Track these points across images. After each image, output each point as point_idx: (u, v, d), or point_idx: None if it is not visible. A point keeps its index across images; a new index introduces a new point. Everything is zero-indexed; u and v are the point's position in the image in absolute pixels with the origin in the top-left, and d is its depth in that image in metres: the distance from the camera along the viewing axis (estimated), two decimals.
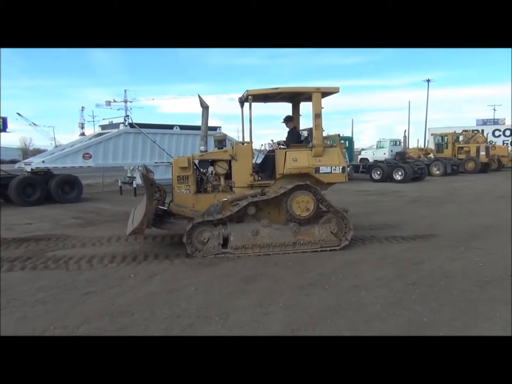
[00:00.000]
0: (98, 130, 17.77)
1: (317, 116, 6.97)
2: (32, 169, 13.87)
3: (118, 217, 10.58)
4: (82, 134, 70.93)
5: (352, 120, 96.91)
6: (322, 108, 7.03)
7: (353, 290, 4.98)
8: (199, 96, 7.39)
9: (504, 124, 43.65)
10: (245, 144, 7.23)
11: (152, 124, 16.48)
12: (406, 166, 21.68)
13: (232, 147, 7.16)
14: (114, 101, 72.54)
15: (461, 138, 29.63)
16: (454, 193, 15.44)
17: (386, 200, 13.91)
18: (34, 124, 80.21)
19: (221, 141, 7.47)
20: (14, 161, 27.88)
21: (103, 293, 4.99)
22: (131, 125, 15.38)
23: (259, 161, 7.84)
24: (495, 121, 48.71)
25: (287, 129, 7.90)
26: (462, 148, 28.23)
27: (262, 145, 9.07)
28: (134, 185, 15.69)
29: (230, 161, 7.17)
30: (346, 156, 22.77)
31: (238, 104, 7.42)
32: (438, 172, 24.97)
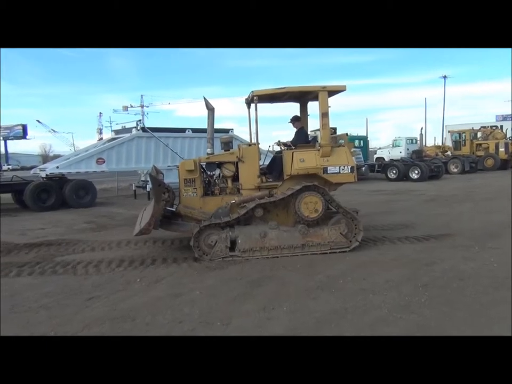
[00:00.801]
0: (112, 135, 17.93)
1: (324, 115, 6.84)
2: (46, 175, 14.04)
3: (130, 221, 10.56)
4: (100, 139, 71.69)
5: (367, 119, 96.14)
6: (329, 106, 6.90)
7: (360, 293, 4.85)
8: (204, 98, 7.34)
9: None
10: (252, 145, 7.16)
11: (164, 127, 16.55)
12: (422, 164, 21.31)
13: (239, 149, 7.09)
14: (131, 106, 73.26)
15: (479, 134, 28.94)
16: (472, 191, 15.08)
17: (401, 200, 13.66)
18: (54, 131, 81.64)
19: (228, 143, 7.39)
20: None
21: (107, 298, 4.96)
22: (143, 129, 15.47)
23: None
24: None
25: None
26: (480, 144, 27.56)
27: (269, 146, 8.97)
28: (148, 189, 15.72)
29: (237, 163, 7.10)
30: (361, 155, 22.77)
31: (244, 106, 7.35)
32: (455, 170, 24.50)
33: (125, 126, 16.72)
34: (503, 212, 10.07)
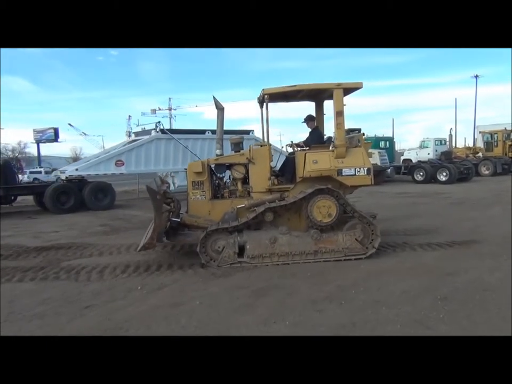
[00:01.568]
0: (132, 137, 17.95)
1: (339, 113, 6.47)
2: (66, 177, 14.12)
3: (145, 224, 10.31)
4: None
5: (393, 119, 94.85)
6: (345, 105, 6.52)
7: (372, 305, 4.45)
8: (214, 97, 7.07)
9: None
10: (263, 146, 6.84)
11: (184, 129, 16.44)
12: (451, 166, 20.53)
13: (249, 150, 6.79)
14: (159, 109, 73.81)
15: None
16: (503, 194, 14.29)
17: (426, 203, 13.07)
18: (85, 134, 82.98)
19: (238, 144, 7.11)
20: None
21: (104, 307, 4.74)
22: (162, 131, 15.38)
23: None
24: None
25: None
26: None
27: (282, 147, 8.63)
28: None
29: (247, 164, 6.80)
30: (387, 157, 22.11)
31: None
32: (487, 172, 23.53)
33: (144, 128, 16.72)
34: None
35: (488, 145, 27.44)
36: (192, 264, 6.35)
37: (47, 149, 77.13)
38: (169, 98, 72.52)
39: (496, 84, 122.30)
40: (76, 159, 77.07)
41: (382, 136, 25.25)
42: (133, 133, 17.84)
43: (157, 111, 74.05)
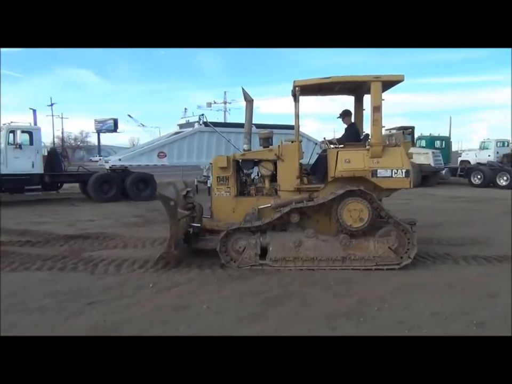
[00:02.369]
0: (177, 129, 18.00)
1: (376, 109, 5.91)
2: (110, 167, 14.33)
3: None
4: None
5: (450, 117, 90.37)
6: (383, 100, 5.95)
7: (394, 327, 3.93)
8: (242, 89, 6.71)
9: None
10: (293, 142, 6.40)
11: (227, 122, 16.25)
12: None
13: (279, 146, 6.37)
14: (214, 103, 74.31)
15: None
16: None
17: (480, 209, 12.04)
18: (143, 125, 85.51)
19: (267, 139, 6.71)
20: None
21: (108, 304, 4.53)
22: (205, 124, 15.24)
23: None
24: None
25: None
26: None
27: (316, 144, 8.13)
28: (208, 185, 15.54)
29: (276, 161, 6.40)
30: (441, 157, 20.82)
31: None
32: None
33: (188, 120, 16.66)
34: None
35: None
36: (212, 264, 6.05)
37: (107, 139, 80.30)
38: (225, 92, 72.64)
39: None
40: None
41: (437, 135, 23.80)
42: (178, 125, 17.82)
43: (212, 104, 74.82)
